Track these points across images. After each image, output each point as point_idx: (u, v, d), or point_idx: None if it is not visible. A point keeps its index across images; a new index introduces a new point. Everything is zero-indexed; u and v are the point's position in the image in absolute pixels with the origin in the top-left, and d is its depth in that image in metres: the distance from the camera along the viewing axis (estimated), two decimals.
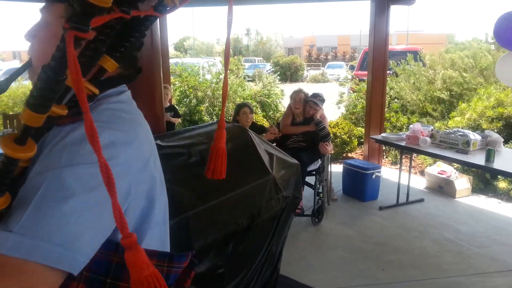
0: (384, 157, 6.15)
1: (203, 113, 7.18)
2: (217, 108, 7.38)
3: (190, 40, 48.15)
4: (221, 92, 7.49)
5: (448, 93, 6.33)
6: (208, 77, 8.32)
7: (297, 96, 4.26)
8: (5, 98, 6.23)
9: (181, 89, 7.29)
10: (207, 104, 7.38)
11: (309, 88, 4.46)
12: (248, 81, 9.87)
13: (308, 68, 32.93)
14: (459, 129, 4.15)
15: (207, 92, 7.45)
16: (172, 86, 6.64)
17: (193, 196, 1.91)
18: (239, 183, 2.18)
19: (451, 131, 4.08)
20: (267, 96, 8.06)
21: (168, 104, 4.76)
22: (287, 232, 2.66)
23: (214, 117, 7.26)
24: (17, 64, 29.44)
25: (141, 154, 0.82)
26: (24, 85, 6.81)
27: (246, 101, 7.08)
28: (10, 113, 5.54)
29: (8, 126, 4.96)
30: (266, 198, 2.29)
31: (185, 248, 1.80)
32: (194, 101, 7.24)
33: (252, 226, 2.17)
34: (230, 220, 2.05)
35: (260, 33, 49.38)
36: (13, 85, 7.38)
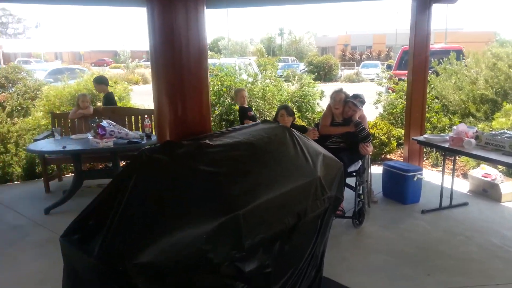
0: (424, 159, 6.00)
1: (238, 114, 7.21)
2: (253, 108, 7.40)
3: (224, 40, 48.54)
4: (258, 93, 7.54)
5: (493, 90, 6.09)
6: (244, 77, 8.36)
7: (337, 96, 4.22)
8: (52, 98, 6.52)
9: (217, 88, 7.36)
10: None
11: (345, 89, 4.40)
12: (284, 81, 9.85)
13: (342, 67, 32.50)
14: (505, 131, 3.99)
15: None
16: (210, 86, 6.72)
17: (243, 195, 1.94)
18: (286, 182, 2.19)
19: (497, 132, 3.94)
20: (303, 97, 8.02)
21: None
22: (328, 233, 2.65)
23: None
24: (58, 64, 30.73)
25: None
26: (69, 85, 7.09)
27: (285, 103, 7.06)
28: (57, 112, 5.78)
29: (56, 124, 5.19)
30: (312, 198, 2.30)
31: (236, 247, 1.83)
32: (228, 100, 7.28)
33: (298, 225, 2.18)
34: (277, 219, 2.06)
35: (293, 32, 49.11)
36: (59, 85, 7.70)
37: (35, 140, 4.83)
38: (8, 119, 6.70)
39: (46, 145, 4.45)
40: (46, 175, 5.05)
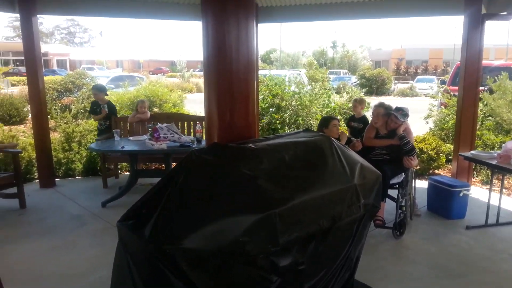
0: (475, 176, 5.83)
1: (286, 123, 7.40)
2: (300, 118, 7.56)
3: (277, 52, 49.07)
4: (305, 103, 7.69)
5: None
6: (294, 88, 8.54)
7: (375, 110, 4.32)
8: (113, 103, 7.03)
9: (266, 99, 7.59)
10: (289, 113, 7.59)
11: (395, 102, 4.44)
12: (335, 93, 9.91)
13: (396, 81, 31.76)
14: None
15: (292, 102, 7.66)
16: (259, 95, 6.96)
17: (281, 195, 2.09)
18: (322, 187, 2.32)
19: None
20: (351, 109, 8.05)
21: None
22: (364, 240, 2.73)
23: (294, 126, 7.46)
24: (119, 72, 32.59)
25: None
26: (129, 92, 7.62)
27: (332, 114, 7.15)
28: (118, 115, 6.25)
29: (116, 126, 5.63)
30: (347, 204, 2.40)
31: (271, 242, 1.99)
32: (273, 108, 7.48)
33: (333, 228, 2.29)
34: (313, 220, 2.20)
35: (346, 45, 48.70)
36: (120, 91, 8.28)
37: (97, 140, 5.27)
38: (73, 120, 7.32)
39: (106, 145, 4.86)
40: (105, 172, 5.49)
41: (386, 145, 4.18)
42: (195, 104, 10.58)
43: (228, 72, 2.53)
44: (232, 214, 1.96)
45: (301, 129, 3.18)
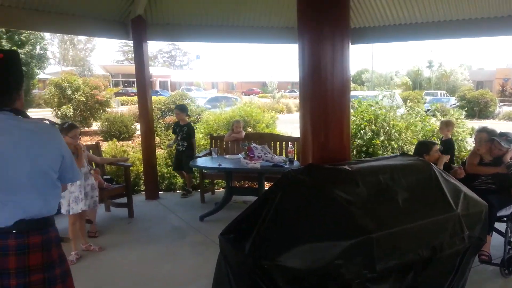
0: None
1: (378, 147, 7.19)
2: (393, 142, 7.29)
3: (368, 72, 48.00)
4: (398, 126, 7.42)
5: None
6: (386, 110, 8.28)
7: (477, 136, 4.05)
8: (211, 122, 7.53)
9: (357, 122, 7.46)
10: (382, 137, 7.37)
11: (501, 127, 4.12)
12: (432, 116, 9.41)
13: (501, 104, 28.99)
14: None
15: (384, 126, 7.44)
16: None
17: (378, 220, 2.08)
18: (422, 215, 2.25)
19: None
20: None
21: None
22: (468, 275, 2.56)
23: (389, 151, 7.19)
24: (215, 93, 34.49)
25: None
26: (225, 112, 8.06)
27: (429, 138, 6.81)
28: (215, 134, 6.65)
29: (213, 145, 5.99)
30: (449, 234, 2.29)
31: (367, 268, 1.98)
32: (369, 134, 7.31)
33: (433, 259, 2.20)
34: (411, 249, 2.13)
35: (443, 65, 45.91)
36: (218, 111, 8.80)
37: (196, 157, 5.65)
38: None
39: (205, 162, 5.20)
40: (202, 187, 5.85)
41: (491, 173, 3.88)
42: (285, 125, 10.78)
43: (323, 93, 2.59)
44: (328, 236, 1.99)
45: (398, 153, 3.11)
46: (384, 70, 48.84)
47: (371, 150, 7.09)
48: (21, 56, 10.90)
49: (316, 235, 1.98)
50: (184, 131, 5.90)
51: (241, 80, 51.35)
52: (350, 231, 1.99)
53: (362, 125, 7.33)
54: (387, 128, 7.42)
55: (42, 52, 11.95)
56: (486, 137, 3.98)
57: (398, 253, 2.09)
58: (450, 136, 5.27)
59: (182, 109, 6.04)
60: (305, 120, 2.70)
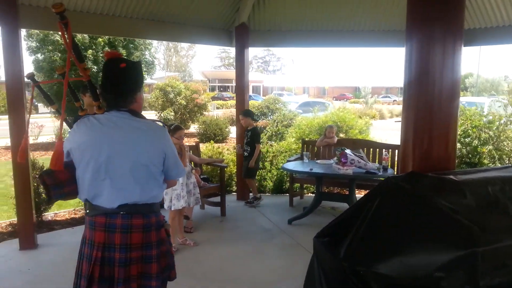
0: None
1: (485, 156, 6.60)
2: (500, 152, 6.64)
3: (473, 77, 44.21)
4: (503, 136, 6.74)
5: None
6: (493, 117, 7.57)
7: None
8: (303, 127, 7.54)
9: (463, 128, 6.92)
10: (491, 146, 6.74)
11: None
12: None
13: None
14: None
15: (491, 134, 6.82)
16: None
17: (484, 234, 1.92)
18: None
19: None
20: None
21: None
22: None
23: (497, 161, 6.56)
24: (306, 97, 34.50)
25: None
26: (318, 117, 8.02)
27: None
28: (307, 139, 6.65)
29: (305, 149, 5.99)
30: None
31: (470, 283, 1.84)
32: (475, 142, 6.74)
33: None
34: None
35: None
36: (310, 116, 8.81)
37: (288, 161, 5.71)
38: (268, 142, 8.09)
39: (296, 166, 5.23)
40: (292, 191, 5.89)
41: None
42: (378, 131, 10.38)
43: (430, 99, 2.46)
44: (428, 246, 1.89)
45: (510, 164, 2.83)
46: (491, 75, 44.59)
47: (475, 159, 6.53)
48: None
49: (417, 245, 1.89)
50: (248, 136, 5.85)
51: (332, 85, 50.68)
52: (454, 243, 1.86)
53: (469, 132, 6.79)
54: (496, 137, 6.77)
55: (150, 58, 13.04)
56: None
57: (505, 270, 1.91)
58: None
59: (246, 113, 5.92)
60: (407, 125, 2.59)
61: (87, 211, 1.93)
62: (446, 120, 2.53)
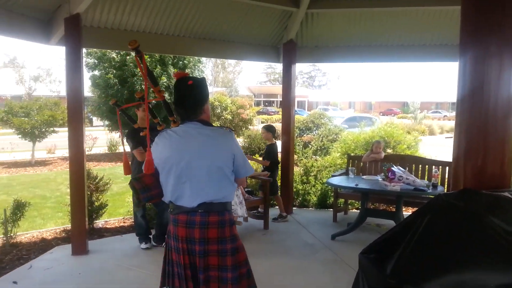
0: None
1: None
2: None
3: None
4: None
5: None
6: None
7: None
8: (349, 142, 7.46)
9: None
10: None
11: None
12: None
13: None
14: None
15: None
16: None
17: None
18: None
19: None
20: None
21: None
22: None
23: None
24: (351, 112, 34.06)
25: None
26: (365, 132, 7.90)
27: None
28: (352, 154, 6.56)
29: (350, 164, 5.91)
30: None
31: None
32: None
33: None
34: None
35: None
36: (356, 131, 8.70)
37: (333, 176, 5.64)
38: (313, 156, 8.05)
39: (341, 181, 5.17)
40: (336, 206, 5.80)
41: None
42: (428, 147, 10.03)
43: (484, 113, 2.37)
44: (480, 268, 1.81)
45: None
46: None
47: None
48: None
49: (467, 266, 1.81)
50: (265, 151, 5.87)
51: (379, 99, 49.64)
52: (506, 264, 1.76)
53: None
54: None
55: (199, 74, 13.47)
56: None
57: None
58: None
59: (268, 128, 5.88)
60: (460, 141, 2.51)
61: (171, 210, 2.25)
62: (501, 136, 2.42)
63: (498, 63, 2.30)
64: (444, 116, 38.87)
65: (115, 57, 12.08)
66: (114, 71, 11.99)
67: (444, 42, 5.85)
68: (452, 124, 26.22)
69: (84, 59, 12.23)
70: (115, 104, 2.99)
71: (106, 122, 13.23)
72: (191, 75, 2.37)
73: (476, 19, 2.42)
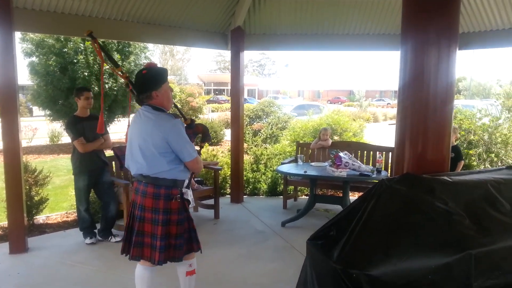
0: None
1: (474, 158, 6.66)
2: (493, 155, 6.70)
3: (466, 80, 44.54)
4: (501, 138, 6.79)
5: None
6: (486, 120, 7.65)
7: None
8: (298, 130, 7.56)
9: None
10: (480, 149, 6.81)
11: None
12: None
13: None
14: None
15: (484, 137, 6.88)
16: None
17: (478, 236, 1.93)
18: None
19: None
20: None
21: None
22: None
23: (487, 163, 6.61)
24: (301, 101, 34.66)
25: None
26: (313, 120, 8.04)
27: None
28: (301, 141, 6.66)
29: (299, 152, 6.00)
30: None
31: (464, 286, 1.84)
32: (464, 144, 6.81)
33: None
34: None
35: None
36: (305, 119, 8.82)
37: (282, 163, 5.70)
38: (263, 144, 8.08)
39: (290, 168, 5.23)
40: (286, 194, 5.88)
41: None
42: (372, 134, 10.42)
43: (424, 101, 2.47)
44: (423, 249, 1.89)
45: (504, 166, 2.84)
46: (483, 78, 44.96)
47: (466, 161, 6.57)
48: (129, 65, 11.93)
49: (411, 247, 1.89)
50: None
51: (327, 88, 50.83)
52: (448, 245, 1.86)
53: (458, 135, 6.84)
54: (487, 139, 6.83)
55: (145, 61, 13.02)
56: None
57: (498, 273, 1.92)
58: (456, 143, 5.18)
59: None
60: (402, 128, 2.60)
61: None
62: (440, 122, 2.53)
63: (437, 52, 2.39)
64: (388, 103, 40.60)
65: (55, 43, 11.37)
66: (55, 57, 11.29)
67: (386, 31, 6.03)
68: (395, 111, 27.43)
69: (20, 45, 11.46)
70: (90, 36, 3.19)
71: (47, 112, 12.47)
72: (159, 66, 2.75)
73: (416, 10, 2.50)
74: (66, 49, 11.22)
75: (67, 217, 5.50)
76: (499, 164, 6.66)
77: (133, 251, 2.60)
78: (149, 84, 2.59)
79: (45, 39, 11.37)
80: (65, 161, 9.96)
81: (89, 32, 3.10)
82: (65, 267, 3.89)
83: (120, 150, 4.44)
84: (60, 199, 6.52)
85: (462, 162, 4.97)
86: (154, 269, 2.75)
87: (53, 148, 12.63)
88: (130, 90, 2.88)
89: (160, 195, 2.56)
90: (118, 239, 4.45)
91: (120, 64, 7.00)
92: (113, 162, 4.79)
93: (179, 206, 2.62)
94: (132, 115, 3.01)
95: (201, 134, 3.10)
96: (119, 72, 3.07)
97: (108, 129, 4.61)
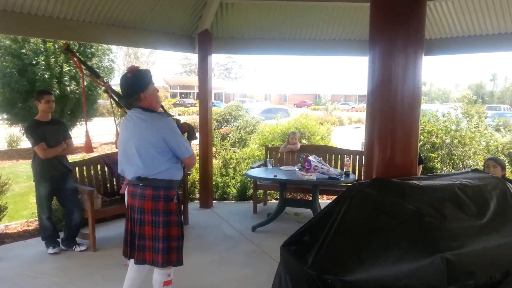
0: None
1: (437, 161, 6.89)
2: (455, 157, 6.96)
3: (426, 85, 46.25)
4: (464, 141, 7.07)
5: None
6: (447, 123, 7.95)
7: None
8: (266, 133, 7.57)
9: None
10: (443, 151, 7.06)
11: None
12: (495, 131, 8.90)
13: None
14: None
15: (446, 140, 7.13)
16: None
17: (449, 239, 1.97)
18: (496, 236, 2.11)
19: None
20: None
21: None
22: None
23: (450, 166, 6.86)
24: (268, 104, 34.84)
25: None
26: (281, 124, 8.07)
27: (494, 155, 6.42)
28: (270, 145, 6.66)
29: (269, 156, 5.99)
30: None
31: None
32: (427, 146, 7.03)
33: (503, 282, 2.05)
34: (483, 272, 2.00)
35: (509, 78, 43.23)
36: (273, 122, 8.86)
37: (251, 168, 5.68)
38: (231, 148, 8.04)
39: (259, 172, 5.22)
40: (255, 198, 5.86)
41: None
42: (339, 137, 10.59)
43: (392, 106, 2.52)
44: (396, 253, 1.91)
45: (469, 169, 2.95)
46: (443, 83, 46.90)
47: (430, 164, 6.79)
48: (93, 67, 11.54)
49: (384, 251, 1.91)
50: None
51: (293, 92, 51.35)
52: (420, 248, 1.89)
53: (422, 137, 7.07)
54: (449, 142, 7.08)
55: (109, 64, 12.64)
56: None
57: (469, 275, 1.97)
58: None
59: None
60: (371, 133, 2.64)
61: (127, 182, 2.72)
62: (408, 127, 2.60)
63: (404, 58, 2.44)
64: (352, 107, 41.53)
65: (11, 44, 10.87)
66: (11, 58, 10.78)
67: (353, 37, 6.15)
68: (359, 115, 28.05)
69: None
70: (67, 49, 3.22)
71: (5, 116, 11.88)
72: (141, 69, 2.74)
73: (383, 17, 2.55)
74: (24, 50, 10.75)
75: (28, 226, 5.24)
76: (461, 166, 6.92)
77: (138, 256, 2.63)
78: (136, 86, 2.60)
79: (1, 40, 10.86)
80: (24, 167, 9.53)
81: (66, 46, 3.15)
82: (27, 278, 3.70)
83: (108, 158, 4.50)
84: (20, 207, 6.22)
85: (421, 166, 5.11)
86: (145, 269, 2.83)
87: (12, 153, 12.06)
88: (110, 96, 2.94)
89: (159, 197, 2.58)
90: (82, 248, 4.28)
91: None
92: (77, 168, 4.63)
93: (177, 208, 2.67)
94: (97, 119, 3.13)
95: (186, 133, 3.05)
96: (101, 82, 3.24)
97: (70, 133, 4.44)
